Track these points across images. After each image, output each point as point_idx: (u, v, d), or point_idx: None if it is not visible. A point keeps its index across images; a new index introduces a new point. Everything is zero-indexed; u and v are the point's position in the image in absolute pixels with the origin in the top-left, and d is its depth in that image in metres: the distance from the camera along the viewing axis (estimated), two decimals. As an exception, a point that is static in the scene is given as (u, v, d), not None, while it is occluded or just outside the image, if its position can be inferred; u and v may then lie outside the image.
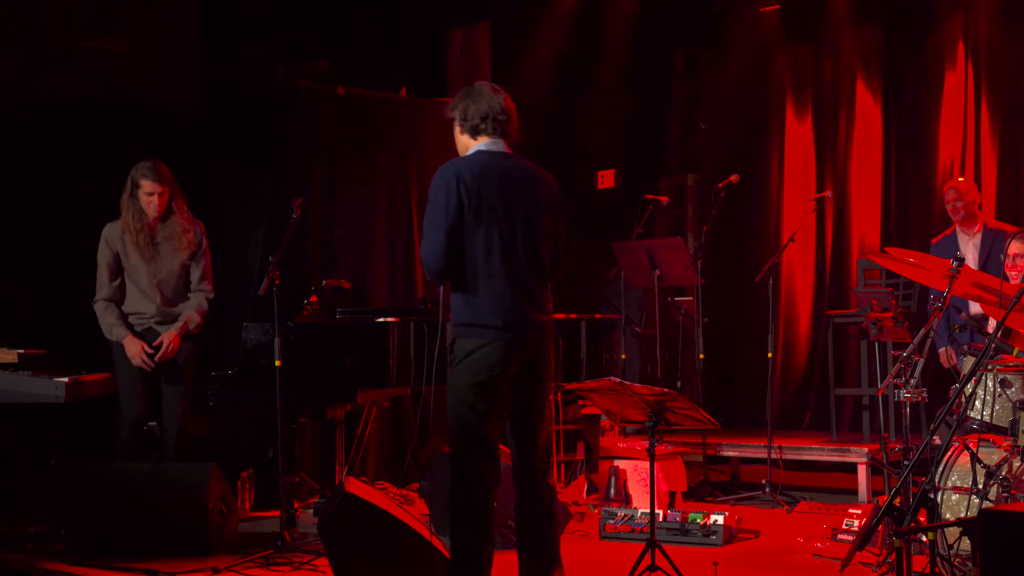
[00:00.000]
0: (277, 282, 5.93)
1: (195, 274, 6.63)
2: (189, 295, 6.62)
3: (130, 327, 6.51)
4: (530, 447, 4.68)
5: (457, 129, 4.71)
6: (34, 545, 6.22)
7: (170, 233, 6.56)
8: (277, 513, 6.13)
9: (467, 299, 4.56)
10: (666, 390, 5.02)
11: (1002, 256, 6.56)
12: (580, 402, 7.23)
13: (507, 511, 6.09)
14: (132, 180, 6.50)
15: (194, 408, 6.92)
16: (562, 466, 7.60)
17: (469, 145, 4.68)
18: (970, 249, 7.27)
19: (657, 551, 5.02)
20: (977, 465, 4.86)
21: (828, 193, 8.30)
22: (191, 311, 6.56)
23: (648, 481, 5.15)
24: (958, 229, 7.37)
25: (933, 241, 7.51)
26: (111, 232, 6.55)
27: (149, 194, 6.47)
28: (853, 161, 9.15)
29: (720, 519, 6.16)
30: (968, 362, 5.42)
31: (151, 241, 6.52)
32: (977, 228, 7.31)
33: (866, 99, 9.09)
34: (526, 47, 9.67)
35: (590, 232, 9.54)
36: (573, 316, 7.60)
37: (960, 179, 7.62)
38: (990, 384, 5.26)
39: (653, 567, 5.00)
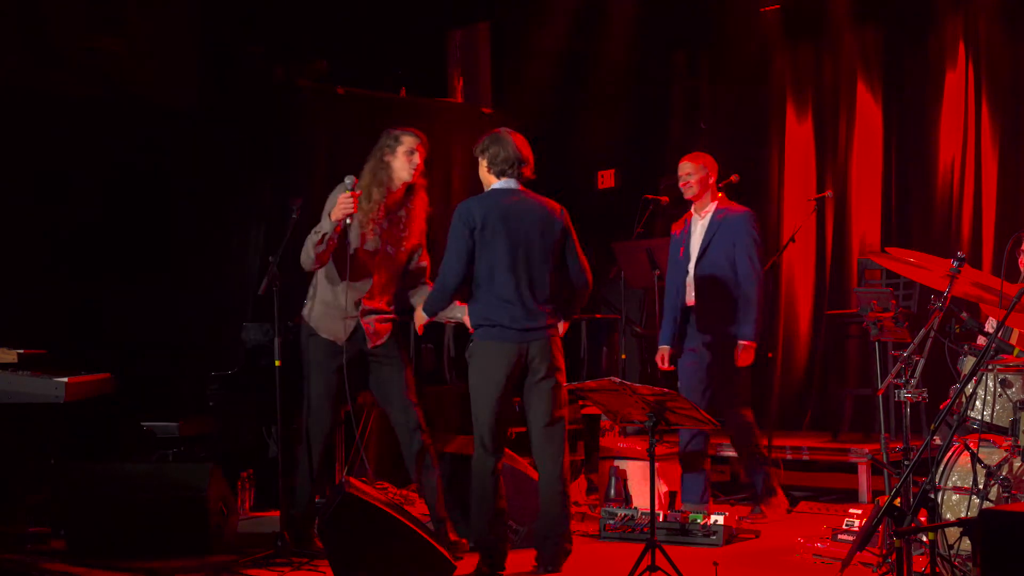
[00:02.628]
0: (277, 282, 5.92)
1: (417, 270, 6.17)
2: (413, 288, 6.18)
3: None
4: (534, 430, 5.62)
5: (483, 167, 5.70)
6: (34, 545, 6.22)
7: (407, 210, 6.07)
8: (277, 513, 6.13)
9: (476, 307, 5.57)
10: (666, 390, 5.02)
11: (1014, 257, 6.43)
12: (580, 402, 7.22)
13: (508, 511, 6.09)
14: (385, 142, 6.02)
15: (199, 409, 6.92)
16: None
17: (491, 181, 5.68)
18: (697, 232, 6.95)
19: (657, 551, 5.02)
20: (977, 465, 4.86)
21: (828, 193, 8.29)
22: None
23: (648, 481, 5.16)
24: (693, 211, 7.02)
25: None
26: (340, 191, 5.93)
27: (410, 152, 5.97)
28: (853, 161, 9.14)
29: (720, 519, 6.16)
30: (968, 362, 5.41)
31: (387, 212, 5.99)
32: (709, 209, 6.95)
33: (866, 99, 9.08)
34: (526, 47, 9.66)
35: (590, 232, 9.52)
36: (573, 316, 7.58)
37: (697, 153, 7.16)
38: (990, 384, 5.26)
39: (653, 567, 5.00)
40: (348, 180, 5.81)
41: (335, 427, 6.15)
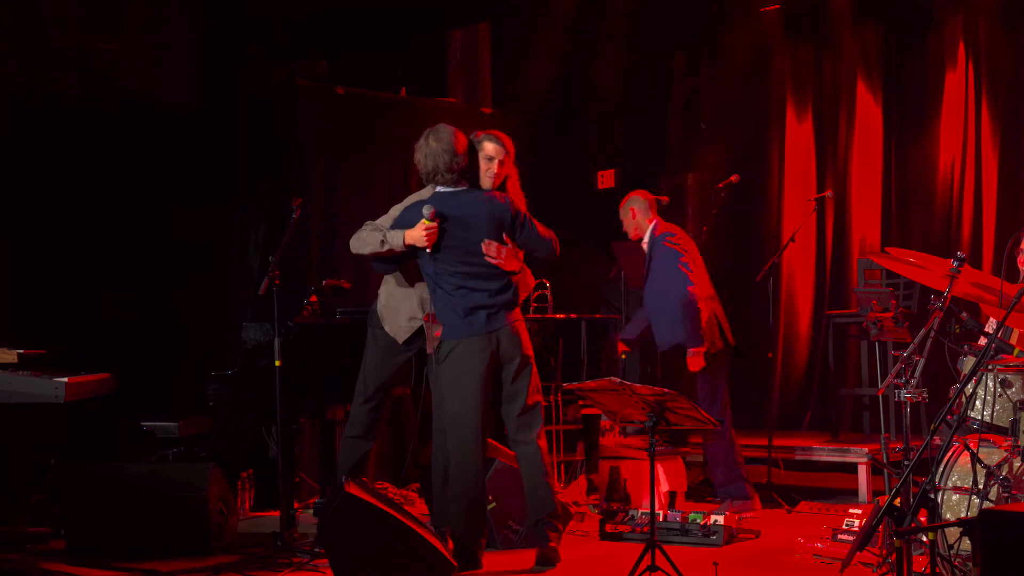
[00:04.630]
0: (277, 282, 5.91)
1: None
2: None
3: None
4: (508, 419, 5.79)
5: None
6: (34, 545, 6.22)
7: None
8: (277, 513, 6.13)
9: (438, 308, 5.69)
10: (666, 390, 5.02)
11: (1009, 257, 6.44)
12: (580, 402, 7.22)
13: (507, 512, 6.09)
14: (471, 145, 5.82)
15: (199, 409, 6.91)
16: (562, 466, 7.60)
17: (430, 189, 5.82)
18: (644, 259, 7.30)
19: (657, 551, 5.02)
20: (977, 465, 4.86)
21: (828, 193, 8.29)
22: None
23: (648, 481, 5.16)
24: None
25: None
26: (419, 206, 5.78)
27: (489, 158, 5.79)
28: (853, 161, 9.14)
29: (720, 519, 6.15)
30: (968, 362, 5.41)
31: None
32: (647, 240, 7.25)
33: (866, 99, 9.09)
34: (526, 47, 9.67)
35: (590, 232, 9.53)
36: (573, 316, 7.60)
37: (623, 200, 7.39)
38: (990, 384, 5.26)
39: (653, 567, 5.00)
40: (427, 210, 5.63)
41: (379, 417, 6.17)
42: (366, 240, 5.80)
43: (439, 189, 5.75)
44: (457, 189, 5.73)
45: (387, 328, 6.02)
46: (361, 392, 6.12)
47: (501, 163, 5.83)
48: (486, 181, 5.84)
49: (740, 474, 7.06)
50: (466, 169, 5.74)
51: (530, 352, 5.77)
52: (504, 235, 5.72)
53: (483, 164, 5.83)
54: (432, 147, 5.69)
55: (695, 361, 7.02)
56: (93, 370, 6.58)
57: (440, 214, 5.63)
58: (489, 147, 5.83)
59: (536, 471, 5.76)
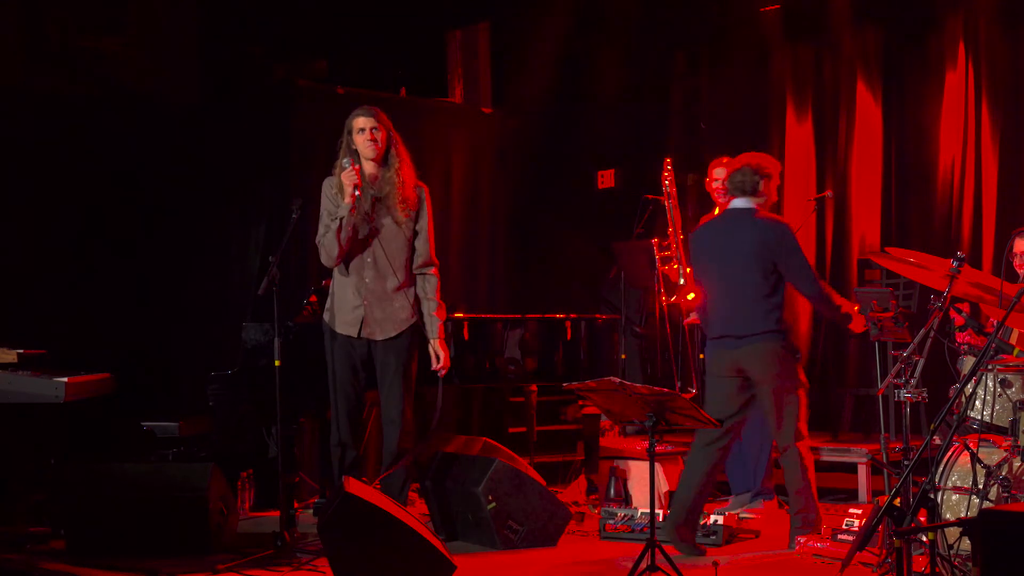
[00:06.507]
0: (277, 282, 5.91)
1: (420, 249, 6.04)
2: (416, 278, 6.07)
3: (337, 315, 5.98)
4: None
5: None
6: (34, 545, 6.22)
7: (387, 189, 5.92)
8: (277, 513, 6.13)
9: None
10: (666, 390, 5.02)
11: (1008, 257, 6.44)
12: (580, 402, 7.22)
13: (508, 512, 6.10)
14: (346, 127, 6.00)
15: (199, 409, 6.91)
16: (562, 466, 7.60)
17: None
18: None
19: (657, 551, 5.02)
20: (977, 465, 4.86)
21: (828, 193, 8.28)
22: (433, 302, 6.01)
23: (648, 481, 5.16)
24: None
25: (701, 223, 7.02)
26: (327, 184, 6.03)
27: (360, 130, 5.94)
28: (853, 161, 9.13)
29: (720, 519, 6.15)
30: (968, 362, 5.42)
31: (365, 194, 5.89)
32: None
33: (866, 99, 9.08)
34: (526, 47, 9.67)
35: (590, 232, 9.54)
36: (573, 316, 7.60)
37: (725, 160, 7.06)
38: (990, 384, 5.26)
39: (653, 567, 5.00)
40: (346, 161, 5.88)
41: (358, 422, 6.17)
42: (327, 240, 5.91)
43: (731, 204, 6.04)
44: (739, 207, 6.00)
45: (339, 329, 5.99)
46: (335, 401, 6.03)
47: (375, 130, 5.95)
48: (366, 151, 5.95)
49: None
50: (751, 189, 5.98)
51: (776, 381, 6.07)
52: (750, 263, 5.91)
53: (359, 138, 5.97)
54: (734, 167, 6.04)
55: None
56: (93, 370, 6.58)
57: (708, 228, 6.22)
58: (358, 121, 5.98)
59: (687, 474, 6.07)
